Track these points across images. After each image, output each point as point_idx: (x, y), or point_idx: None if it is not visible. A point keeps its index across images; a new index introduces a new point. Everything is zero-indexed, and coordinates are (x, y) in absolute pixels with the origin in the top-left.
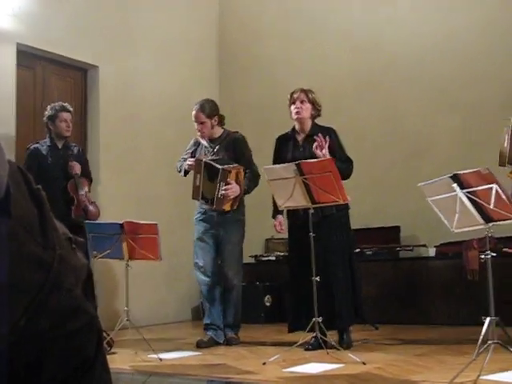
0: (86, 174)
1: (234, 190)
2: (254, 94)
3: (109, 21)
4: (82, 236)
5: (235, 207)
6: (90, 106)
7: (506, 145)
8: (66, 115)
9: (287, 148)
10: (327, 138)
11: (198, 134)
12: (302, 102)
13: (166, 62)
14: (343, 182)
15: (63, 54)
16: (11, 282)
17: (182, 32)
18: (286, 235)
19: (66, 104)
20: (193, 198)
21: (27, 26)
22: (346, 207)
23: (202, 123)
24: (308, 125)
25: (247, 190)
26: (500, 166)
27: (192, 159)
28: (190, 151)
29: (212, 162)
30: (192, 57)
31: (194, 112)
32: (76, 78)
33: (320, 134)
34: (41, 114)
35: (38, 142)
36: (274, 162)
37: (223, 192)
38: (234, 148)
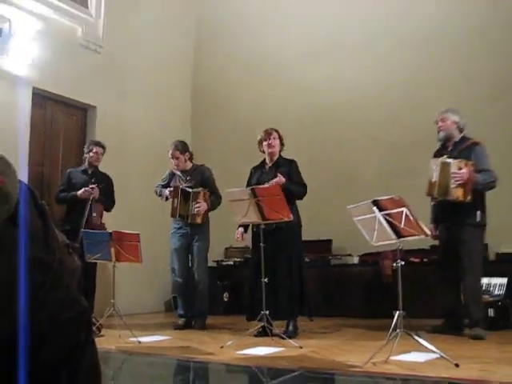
0: (108, 197)
1: (202, 206)
2: (221, 132)
3: (105, 72)
4: None
5: (204, 220)
6: (88, 138)
7: (434, 179)
8: (97, 149)
9: (256, 175)
10: (281, 178)
11: (175, 167)
12: (274, 138)
13: (149, 106)
14: (298, 201)
15: (69, 96)
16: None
17: (163, 82)
18: (241, 244)
19: (100, 141)
20: (171, 216)
21: (41, 73)
22: (296, 224)
23: (177, 158)
24: (276, 156)
25: (212, 207)
26: (428, 195)
27: (171, 188)
28: (166, 180)
29: (186, 188)
30: (170, 102)
31: (170, 151)
32: (78, 115)
33: (280, 176)
34: (49, 144)
35: (73, 168)
36: (247, 185)
37: (195, 209)
38: (202, 177)
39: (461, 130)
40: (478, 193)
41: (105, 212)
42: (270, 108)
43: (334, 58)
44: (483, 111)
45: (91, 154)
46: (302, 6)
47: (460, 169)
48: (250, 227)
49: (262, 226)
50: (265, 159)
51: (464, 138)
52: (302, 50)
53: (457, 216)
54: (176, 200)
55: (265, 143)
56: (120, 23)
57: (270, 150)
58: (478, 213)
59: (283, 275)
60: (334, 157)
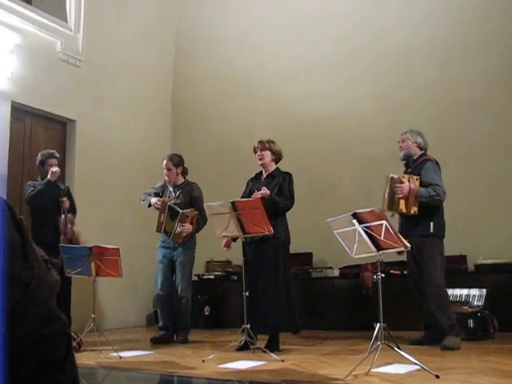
0: (73, 207)
1: (187, 230)
2: (201, 144)
3: (85, 85)
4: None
5: (186, 240)
6: (68, 151)
7: (386, 196)
8: (52, 161)
9: (252, 185)
10: (266, 190)
11: (166, 178)
12: (260, 150)
13: (129, 119)
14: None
15: (48, 110)
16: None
17: (143, 94)
18: (222, 258)
19: (53, 151)
20: (156, 231)
21: (20, 87)
22: (284, 237)
23: (169, 170)
24: (271, 168)
25: (197, 229)
26: (382, 210)
27: (159, 200)
28: (156, 191)
29: (174, 206)
30: (151, 114)
31: (164, 161)
32: (58, 129)
33: (265, 188)
34: (29, 158)
35: (35, 180)
36: (242, 197)
37: (179, 230)
38: (191, 194)
39: (421, 149)
40: (430, 205)
41: (81, 225)
42: (248, 122)
43: (311, 74)
44: (462, 123)
45: (48, 167)
46: (281, 25)
47: (402, 183)
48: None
49: (242, 240)
50: (261, 171)
51: (421, 156)
52: (280, 67)
53: (412, 228)
54: (163, 215)
55: (256, 156)
56: (99, 36)
57: (259, 163)
58: (432, 224)
59: (267, 288)
60: (312, 170)
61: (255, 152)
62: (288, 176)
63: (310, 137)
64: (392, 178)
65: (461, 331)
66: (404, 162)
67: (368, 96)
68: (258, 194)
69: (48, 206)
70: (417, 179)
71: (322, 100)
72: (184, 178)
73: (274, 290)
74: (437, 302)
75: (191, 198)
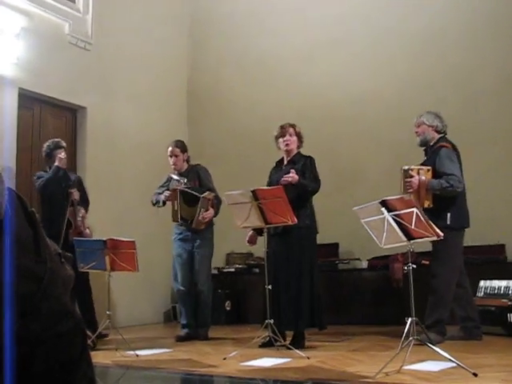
0: (85, 199)
1: (211, 214)
2: (217, 133)
3: (95, 71)
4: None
5: (205, 229)
6: (79, 140)
7: (401, 189)
8: (59, 151)
9: (275, 174)
10: (295, 176)
11: (172, 166)
12: (290, 134)
13: (142, 106)
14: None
15: (57, 97)
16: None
17: (157, 80)
18: (243, 250)
19: (58, 140)
20: (173, 221)
21: (28, 73)
22: (310, 226)
23: (176, 156)
24: (294, 153)
25: (217, 212)
26: None
27: (168, 191)
28: (164, 187)
29: (188, 190)
30: (165, 101)
31: (170, 148)
32: (68, 117)
33: (293, 171)
34: (38, 147)
35: (44, 171)
36: (267, 184)
37: (204, 216)
38: (199, 176)
39: (439, 132)
40: (445, 196)
41: (93, 217)
42: (267, 108)
43: (331, 55)
44: (486, 106)
45: (56, 158)
46: (298, 5)
47: (411, 177)
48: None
49: (265, 231)
50: (283, 157)
51: (438, 141)
52: (298, 49)
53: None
54: (176, 203)
55: (280, 140)
56: (110, 18)
57: (285, 148)
58: (448, 215)
59: (291, 282)
60: (336, 156)
61: (281, 136)
62: (310, 159)
63: (334, 121)
64: (404, 171)
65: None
66: (423, 148)
67: (395, 77)
68: (287, 178)
69: (57, 196)
70: (428, 170)
71: (346, 82)
72: (188, 164)
73: (299, 284)
74: (434, 295)
75: (200, 179)
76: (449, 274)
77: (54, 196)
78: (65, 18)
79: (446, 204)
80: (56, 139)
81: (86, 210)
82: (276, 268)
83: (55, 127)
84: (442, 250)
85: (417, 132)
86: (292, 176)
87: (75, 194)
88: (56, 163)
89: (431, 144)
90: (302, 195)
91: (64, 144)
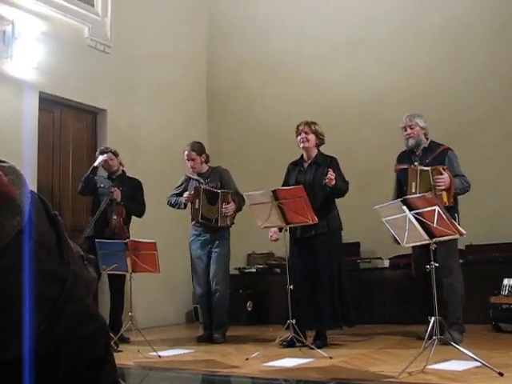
0: (136, 200)
1: (232, 207)
2: (237, 133)
3: (115, 73)
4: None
5: (233, 221)
6: (99, 142)
7: (413, 189)
8: (104, 157)
9: (294, 173)
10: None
11: (190, 169)
12: (305, 133)
13: (163, 108)
14: (339, 198)
15: (77, 100)
16: (33, 294)
17: (176, 81)
18: (264, 250)
19: (104, 147)
20: (193, 220)
21: (48, 77)
22: (338, 228)
23: (193, 160)
24: (313, 153)
25: (239, 207)
26: None
27: (187, 192)
28: (181, 188)
29: (211, 188)
30: (184, 100)
31: (186, 152)
32: (88, 119)
33: (330, 171)
34: (59, 150)
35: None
36: (283, 185)
37: (225, 210)
38: (221, 178)
39: (426, 135)
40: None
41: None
42: (287, 106)
43: (353, 54)
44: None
45: (103, 162)
46: (320, 2)
47: (441, 174)
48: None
49: (287, 231)
50: (302, 155)
51: (433, 144)
52: (319, 48)
53: None
54: (198, 201)
55: (298, 138)
56: (128, 21)
57: (301, 146)
58: (456, 215)
59: (322, 284)
60: (356, 155)
61: (298, 134)
62: (334, 160)
63: (354, 119)
64: (423, 171)
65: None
66: (406, 151)
67: (414, 76)
68: (330, 181)
69: (96, 195)
70: (447, 169)
71: (365, 80)
72: (207, 165)
73: (327, 286)
74: (452, 294)
75: (221, 180)
76: (457, 272)
77: (95, 196)
78: (84, 21)
79: (454, 205)
80: (102, 146)
81: (136, 213)
82: (301, 268)
83: (76, 130)
84: (451, 248)
85: (410, 134)
86: (331, 178)
87: (115, 194)
88: (95, 164)
89: (425, 146)
90: (330, 198)
91: (108, 149)
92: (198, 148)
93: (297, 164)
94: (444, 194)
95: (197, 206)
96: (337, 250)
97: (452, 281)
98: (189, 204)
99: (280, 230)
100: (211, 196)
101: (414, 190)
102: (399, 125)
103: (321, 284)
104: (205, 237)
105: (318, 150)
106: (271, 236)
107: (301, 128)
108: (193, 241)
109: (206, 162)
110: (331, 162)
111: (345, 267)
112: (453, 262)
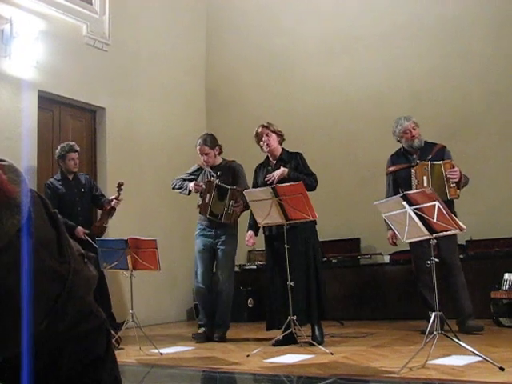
0: (99, 194)
1: (241, 207)
2: (236, 130)
3: (114, 71)
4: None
5: (237, 220)
6: (98, 140)
7: (425, 184)
8: (73, 155)
9: (262, 173)
10: (284, 169)
11: (204, 163)
12: (267, 135)
13: (161, 105)
14: (310, 193)
15: (76, 98)
16: (34, 292)
17: (175, 78)
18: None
19: (73, 144)
20: (200, 213)
21: (47, 76)
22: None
23: (206, 154)
24: (278, 151)
25: (246, 207)
26: None
27: (198, 182)
28: (191, 176)
29: (223, 184)
30: (184, 97)
31: (198, 146)
32: (87, 118)
33: (281, 167)
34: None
35: (52, 177)
36: (252, 187)
37: (233, 208)
38: (233, 174)
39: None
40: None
41: (114, 216)
42: (286, 104)
43: (348, 53)
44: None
45: (69, 161)
46: (315, 1)
47: (453, 167)
48: (262, 230)
49: (287, 227)
50: (268, 156)
51: (428, 143)
52: (319, 46)
53: None
54: (209, 196)
55: (261, 144)
56: (126, 18)
57: (265, 150)
58: (455, 211)
59: (300, 277)
60: (356, 151)
61: (260, 139)
62: (299, 155)
63: (354, 116)
64: (435, 165)
65: None
66: (399, 152)
67: (413, 72)
68: (275, 175)
69: (69, 202)
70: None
71: (365, 78)
72: (221, 157)
73: (307, 276)
74: (462, 289)
75: (234, 176)
76: (459, 266)
77: (68, 199)
78: (82, 19)
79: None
80: (70, 143)
81: (103, 206)
82: (284, 264)
83: (75, 128)
84: (453, 243)
85: (415, 136)
86: (279, 173)
87: (108, 205)
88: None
89: (423, 146)
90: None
91: (77, 148)
92: (210, 141)
93: (263, 166)
94: (455, 186)
95: (207, 201)
96: (312, 240)
97: (459, 276)
98: (194, 195)
99: (256, 233)
100: (221, 191)
101: (426, 184)
102: (398, 128)
103: (299, 278)
104: (210, 232)
105: (282, 147)
106: (247, 241)
107: (260, 131)
108: (197, 235)
109: (220, 153)
110: (297, 158)
111: (321, 262)
112: (456, 257)
